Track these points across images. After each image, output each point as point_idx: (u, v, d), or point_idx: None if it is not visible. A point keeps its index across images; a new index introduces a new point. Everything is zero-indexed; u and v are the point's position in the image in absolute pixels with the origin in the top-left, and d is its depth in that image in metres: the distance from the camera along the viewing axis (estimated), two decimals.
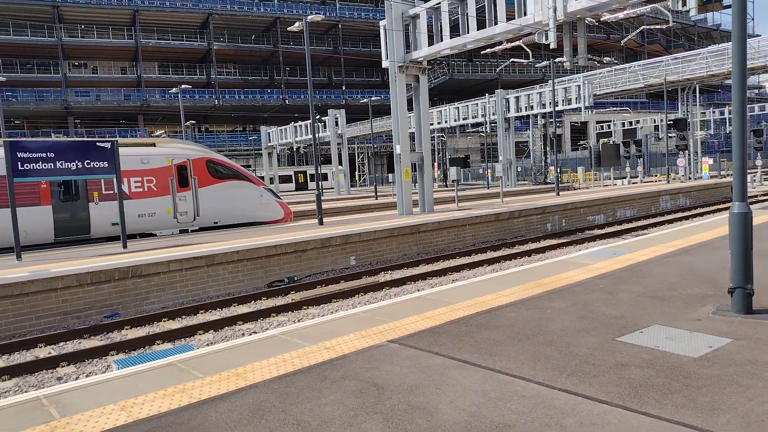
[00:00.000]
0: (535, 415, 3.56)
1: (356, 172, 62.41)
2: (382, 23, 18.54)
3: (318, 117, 34.94)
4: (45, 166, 12.02)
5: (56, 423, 3.83)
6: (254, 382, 4.37)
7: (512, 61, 32.46)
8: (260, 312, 10.11)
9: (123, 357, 8.11)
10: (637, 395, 3.77)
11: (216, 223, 17.58)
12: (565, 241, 16.96)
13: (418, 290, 11.52)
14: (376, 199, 33.14)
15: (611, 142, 40.86)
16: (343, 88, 64.08)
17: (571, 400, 3.74)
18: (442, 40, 17.54)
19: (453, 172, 21.27)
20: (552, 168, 40.57)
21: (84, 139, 23.07)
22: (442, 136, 51.76)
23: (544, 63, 30.05)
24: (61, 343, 9.01)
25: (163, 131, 57.13)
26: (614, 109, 56.92)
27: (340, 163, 44.02)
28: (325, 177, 52.94)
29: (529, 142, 49.17)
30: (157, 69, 61.29)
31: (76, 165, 12.36)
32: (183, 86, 34.34)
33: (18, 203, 12.30)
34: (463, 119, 44.17)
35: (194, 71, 62.00)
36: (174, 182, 16.41)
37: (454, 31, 17.51)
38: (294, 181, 55.61)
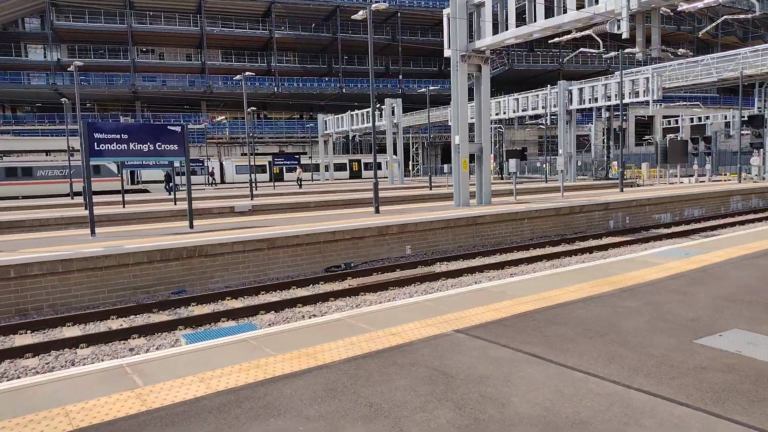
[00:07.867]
0: (612, 413, 3.46)
1: (410, 162, 62.32)
2: (445, 11, 18.34)
3: (377, 106, 35.01)
4: (119, 147, 12.56)
5: (141, 390, 4.03)
6: (325, 363, 4.45)
7: (579, 52, 31.27)
8: (319, 296, 10.30)
9: (190, 332, 8.45)
10: (719, 400, 3.61)
11: None
12: (629, 239, 16.38)
13: (476, 282, 11.43)
14: (431, 189, 33.00)
15: (678, 138, 39.00)
16: (400, 77, 63.92)
17: (650, 401, 3.62)
18: (507, 29, 17.19)
19: (512, 164, 20.88)
20: (615, 163, 39.15)
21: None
22: (500, 128, 50.88)
23: (612, 54, 28.93)
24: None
25: (224, 117, 58.74)
26: (683, 103, 54.12)
27: (395, 153, 44.00)
28: (379, 166, 53.00)
29: (591, 136, 47.55)
30: (220, 56, 62.93)
31: (149, 147, 12.86)
32: (246, 73, 35.01)
33: None
34: (522, 110, 43.20)
35: (256, 59, 63.26)
36: None
37: (520, 19, 17.11)
38: (348, 169, 56.11)
